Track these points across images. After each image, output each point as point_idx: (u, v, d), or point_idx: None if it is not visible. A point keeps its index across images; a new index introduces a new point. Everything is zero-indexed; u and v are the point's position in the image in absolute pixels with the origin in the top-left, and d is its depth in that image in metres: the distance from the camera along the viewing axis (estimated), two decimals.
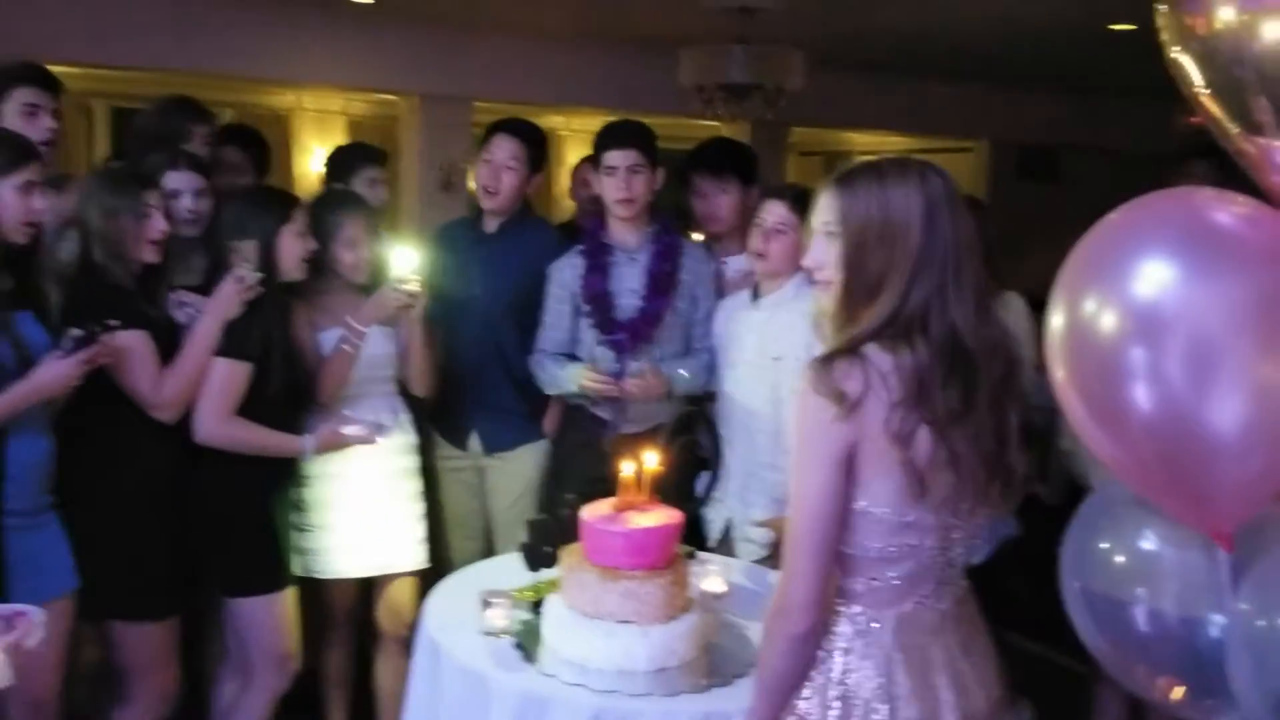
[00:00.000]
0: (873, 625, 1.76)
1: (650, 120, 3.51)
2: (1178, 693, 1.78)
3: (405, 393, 3.29)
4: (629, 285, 3.30)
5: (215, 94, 4.38)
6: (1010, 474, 1.76)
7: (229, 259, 2.85)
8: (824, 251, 1.77)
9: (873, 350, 1.68)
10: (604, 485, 2.42)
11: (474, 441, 3.53)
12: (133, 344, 2.70)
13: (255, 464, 2.91)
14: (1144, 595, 1.80)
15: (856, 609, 1.77)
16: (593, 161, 3.43)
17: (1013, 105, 8.71)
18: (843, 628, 1.77)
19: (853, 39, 6.69)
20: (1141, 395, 1.53)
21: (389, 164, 4.25)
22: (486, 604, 2.36)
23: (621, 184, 3.26)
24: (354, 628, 3.34)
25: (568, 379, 3.29)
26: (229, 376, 2.83)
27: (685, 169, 3.62)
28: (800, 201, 3.04)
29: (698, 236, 3.69)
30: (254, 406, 2.87)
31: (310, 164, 8.03)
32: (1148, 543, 1.84)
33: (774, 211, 3.05)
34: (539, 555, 2.49)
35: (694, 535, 3.12)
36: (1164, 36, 1.72)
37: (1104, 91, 8.48)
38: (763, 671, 1.81)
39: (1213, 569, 1.73)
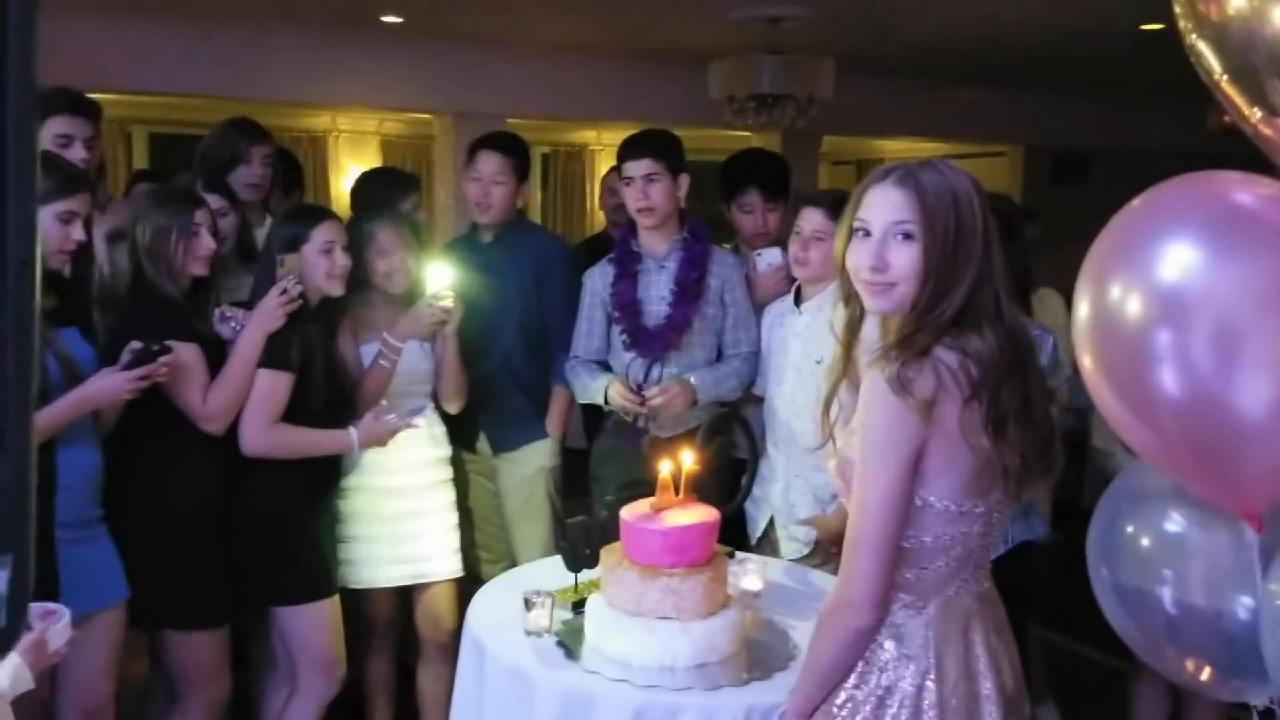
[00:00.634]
0: (920, 611, 1.77)
1: (681, 132, 3.55)
2: (1206, 674, 1.78)
3: (437, 405, 3.36)
4: (658, 293, 3.34)
5: (253, 118, 4.46)
6: (1051, 463, 1.77)
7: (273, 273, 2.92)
8: (895, 253, 1.71)
9: (941, 348, 1.69)
10: (642, 488, 2.45)
11: (482, 443, 3.64)
12: (186, 358, 2.76)
13: (300, 473, 2.96)
14: (1171, 578, 1.81)
15: (905, 597, 1.78)
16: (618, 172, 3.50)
17: (1045, 109, 8.67)
18: (892, 616, 1.78)
19: (881, 46, 6.68)
20: (1169, 379, 1.52)
21: (423, 183, 4.31)
22: (529, 604, 2.40)
23: (640, 193, 3.30)
24: (395, 637, 3.39)
25: (598, 391, 3.34)
26: (271, 387, 2.88)
27: (732, 182, 3.66)
28: (837, 208, 3.07)
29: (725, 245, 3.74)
30: (297, 418, 2.93)
31: (345, 185, 8.12)
32: (1174, 526, 1.84)
33: (812, 219, 3.08)
34: (579, 557, 2.53)
35: (738, 533, 3.16)
36: (1181, 25, 1.73)
37: (1135, 93, 8.43)
38: (817, 661, 1.83)
39: (1239, 551, 1.74)
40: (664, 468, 2.33)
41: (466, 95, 6.96)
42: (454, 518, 3.31)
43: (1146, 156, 5.31)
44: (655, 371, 3.30)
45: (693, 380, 3.25)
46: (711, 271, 3.34)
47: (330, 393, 2.99)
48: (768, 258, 3.47)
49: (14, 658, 1.84)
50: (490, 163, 3.55)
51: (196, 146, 3.70)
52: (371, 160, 8.17)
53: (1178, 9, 1.73)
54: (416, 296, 3.20)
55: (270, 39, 6.37)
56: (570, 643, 2.32)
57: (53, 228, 2.56)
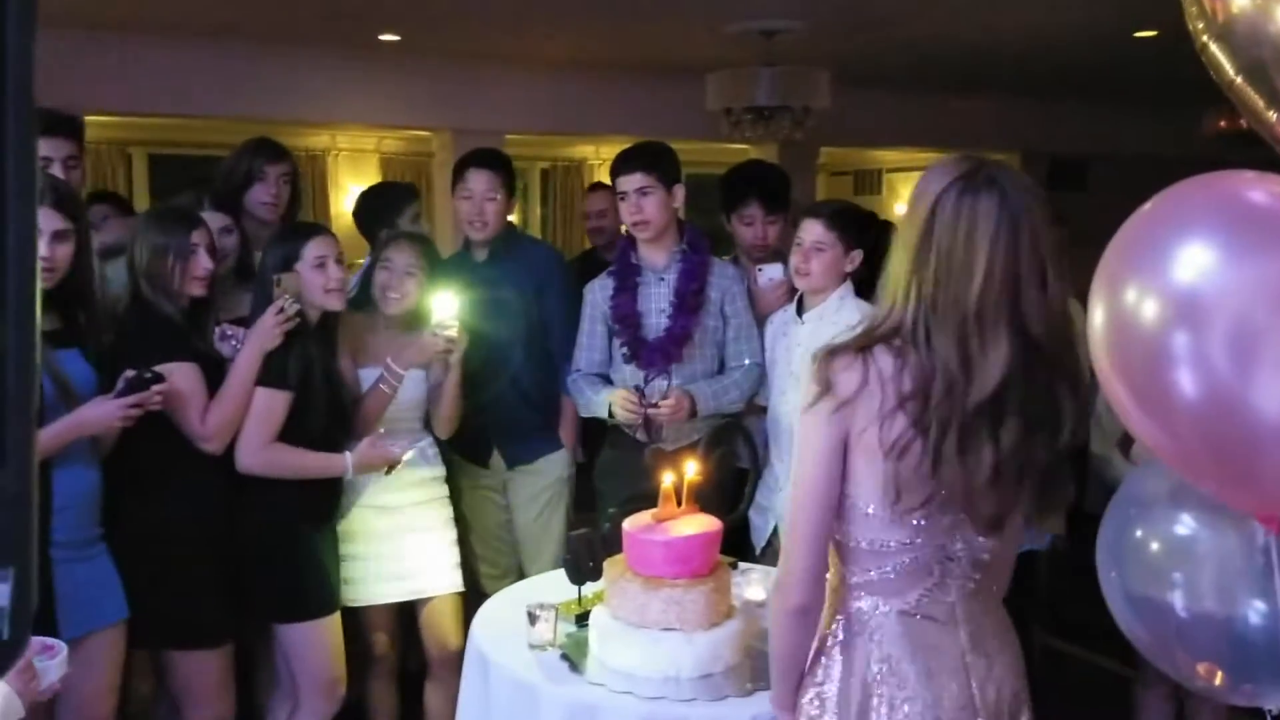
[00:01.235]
0: (879, 613, 1.77)
1: (679, 145, 3.56)
2: (1218, 678, 1.77)
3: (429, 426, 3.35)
4: (657, 305, 3.34)
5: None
6: (1054, 489, 1.74)
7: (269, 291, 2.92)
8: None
9: (881, 350, 1.69)
10: (645, 500, 2.45)
11: (496, 459, 3.62)
12: (183, 379, 2.76)
13: (300, 490, 2.96)
14: (1182, 582, 1.80)
15: (863, 597, 1.78)
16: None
17: (1042, 116, 8.70)
18: (852, 615, 1.79)
19: (877, 56, 6.71)
20: (1186, 380, 1.49)
21: (423, 200, 4.32)
22: (533, 618, 2.40)
23: (634, 207, 3.30)
24: (396, 656, 3.38)
25: (600, 404, 3.33)
26: (269, 405, 2.88)
27: (733, 194, 3.66)
28: (836, 219, 3.09)
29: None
30: (295, 437, 2.93)
31: (345, 203, 8.15)
32: (1184, 529, 1.83)
33: (812, 230, 3.09)
34: (582, 569, 2.53)
35: (741, 543, 3.16)
36: (1191, 28, 1.72)
37: (1130, 99, 8.46)
38: (770, 649, 1.87)
39: (1249, 554, 1.73)
40: (666, 479, 2.33)
41: (465, 112, 6.99)
42: (452, 534, 3.31)
43: (1144, 162, 5.32)
44: (656, 384, 3.29)
45: (693, 392, 3.25)
46: (711, 283, 3.33)
47: (329, 411, 2.99)
48: (769, 272, 3.47)
49: (3, 687, 1.84)
50: (481, 180, 3.56)
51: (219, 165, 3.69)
52: (371, 178, 8.20)
53: (1187, 11, 1.72)
54: (420, 323, 3.20)
55: (269, 59, 6.40)
56: (575, 655, 2.32)
57: (43, 247, 2.56)
